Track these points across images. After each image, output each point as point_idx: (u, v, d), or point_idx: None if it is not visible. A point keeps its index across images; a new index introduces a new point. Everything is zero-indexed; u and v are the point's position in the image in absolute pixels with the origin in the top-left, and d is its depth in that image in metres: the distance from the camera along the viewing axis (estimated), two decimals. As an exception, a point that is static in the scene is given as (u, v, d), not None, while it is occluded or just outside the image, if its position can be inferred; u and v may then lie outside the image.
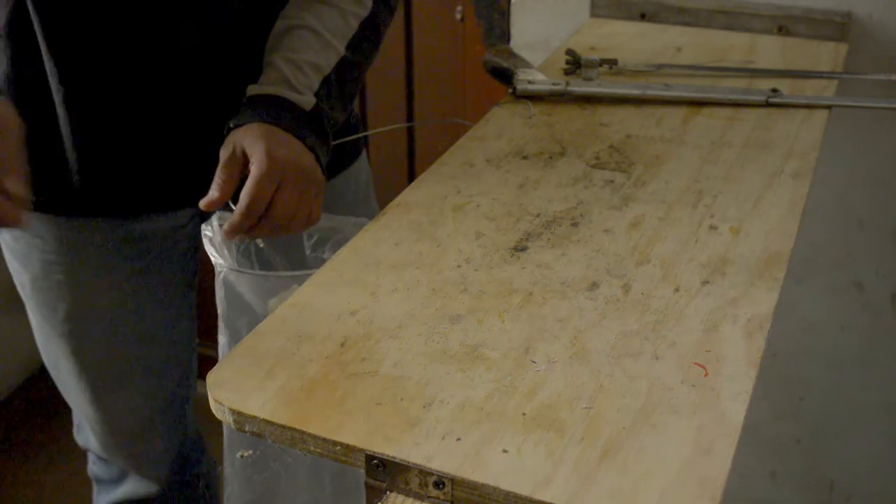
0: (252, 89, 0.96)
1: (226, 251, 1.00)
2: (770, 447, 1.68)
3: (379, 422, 0.65)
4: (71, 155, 1.01)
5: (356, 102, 1.15)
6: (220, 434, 1.12)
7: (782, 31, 1.38)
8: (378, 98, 1.88)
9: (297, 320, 0.76)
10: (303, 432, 0.65)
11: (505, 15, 1.58)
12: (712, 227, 0.88)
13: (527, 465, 0.61)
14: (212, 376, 0.70)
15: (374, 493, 0.64)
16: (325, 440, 0.64)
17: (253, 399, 0.67)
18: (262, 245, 1.05)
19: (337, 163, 1.12)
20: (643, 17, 1.45)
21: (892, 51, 1.36)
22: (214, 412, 0.69)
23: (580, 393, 0.67)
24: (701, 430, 0.64)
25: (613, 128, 1.09)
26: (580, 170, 0.99)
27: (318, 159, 0.94)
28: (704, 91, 1.16)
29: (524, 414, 0.65)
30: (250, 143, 0.91)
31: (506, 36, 1.58)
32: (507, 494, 0.59)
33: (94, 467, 1.34)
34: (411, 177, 1.90)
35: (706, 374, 0.69)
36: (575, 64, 1.22)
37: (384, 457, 0.62)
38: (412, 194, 0.95)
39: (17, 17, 0.96)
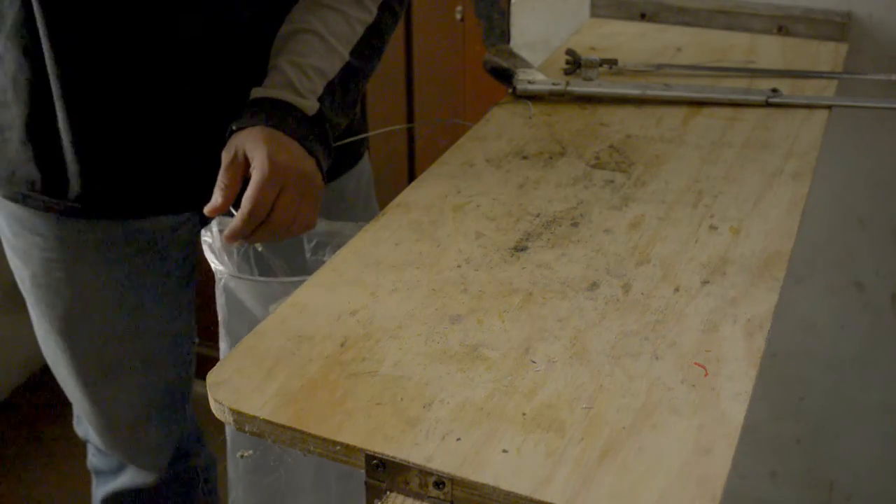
0: (256, 92, 0.96)
1: (226, 257, 1.00)
2: (770, 447, 1.68)
3: (379, 422, 0.65)
4: (70, 157, 1.01)
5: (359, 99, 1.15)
6: (220, 433, 1.12)
7: (782, 31, 1.38)
8: (378, 98, 1.88)
9: (297, 320, 0.76)
10: (303, 432, 0.65)
11: (505, 15, 1.58)
12: (712, 227, 0.88)
13: (527, 465, 0.61)
14: (212, 376, 0.70)
15: (374, 492, 0.64)
16: (325, 440, 0.64)
17: (253, 399, 0.67)
18: (260, 249, 1.05)
19: (339, 164, 1.12)
20: (643, 17, 1.45)
21: (892, 51, 1.36)
22: (214, 412, 0.69)
23: (580, 393, 0.67)
24: (701, 430, 0.64)
25: (613, 128, 1.09)
26: (580, 170, 0.99)
27: (318, 164, 0.95)
28: (704, 91, 1.16)
29: (524, 414, 0.65)
30: (252, 147, 0.91)
31: (506, 36, 1.58)
32: (507, 494, 0.59)
33: (93, 459, 1.35)
34: (411, 177, 1.90)
35: (706, 374, 0.69)
36: (575, 64, 1.22)
37: (384, 457, 0.62)
38: (412, 194, 0.95)
39: (23, 18, 0.96)
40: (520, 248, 0.85)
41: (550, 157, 1.02)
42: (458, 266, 0.83)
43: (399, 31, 1.78)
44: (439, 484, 0.61)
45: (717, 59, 1.28)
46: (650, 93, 1.15)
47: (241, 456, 1.03)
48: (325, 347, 0.72)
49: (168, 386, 1.23)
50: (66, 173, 1.02)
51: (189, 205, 1.07)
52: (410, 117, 1.90)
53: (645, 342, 0.73)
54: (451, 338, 0.73)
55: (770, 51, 1.33)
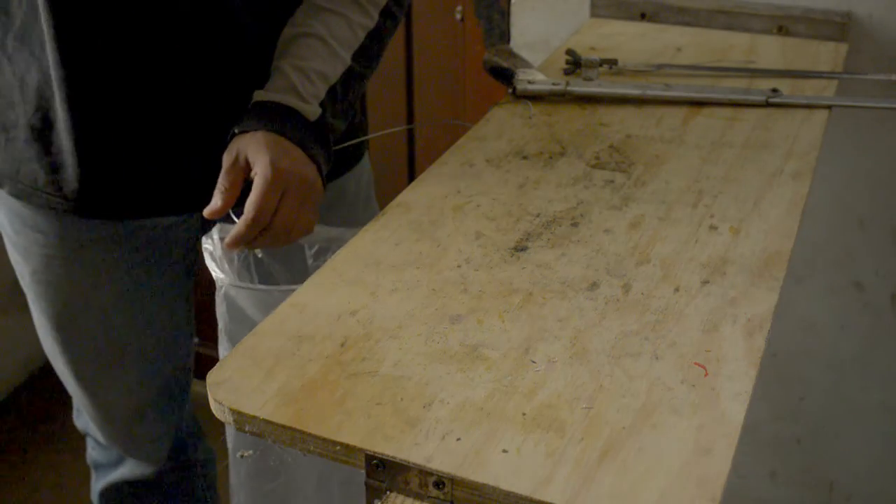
0: (259, 95, 0.96)
1: (226, 265, 1.00)
2: (770, 447, 1.68)
3: (379, 422, 0.65)
4: (72, 158, 1.01)
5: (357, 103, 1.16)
6: (221, 433, 1.12)
7: (782, 31, 1.38)
8: (378, 98, 1.88)
9: (297, 320, 0.76)
10: (303, 432, 0.65)
11: (505, 15, 1.58)
12: (712, 227, 0.88)
13: (527, 465, 0.61)
14: (212, 376, 0.70)
15: (374, 493, 0.64)
16: (325, 440, 0.64)
17: (253, 399, 0.67)
18: (260, 256, 1.05)
19: (340, 164, 1.12)
20: (643, 17, 1.45)
21: (892, 51, 1.36)
22: (214, 412, 0.69)
23: (580, 393, 0.67)
24: (701, 430, 0.64)
25: (613, 128, 1.09)
26: (580, 170, 0.99)
27: (319, 169, 0.95)
28: (704, 91, 1.16)
29: (524, 414, 0.65)
30: (254, 151, 0.91)
31: (506, 36, 1.58)
32: (507, 494, 0.59)
33: (92, 453, 1.36)
34: (411, 177, 1.90)
35: (706, 374, 0.69)
36: (575, 64, 1.22)
37: (384, 457, 0.62)
38: (412, 194, 0.95)
39: (31, 18, 0.96)
40: (520, 248, 0.85)
41: (550, 157, 1.02)
42: (458, 266, 0.83)
43: (399, 31, 1.78)
44: (439, 484, 0.61)
45: (717, 59, 1.28)
46: (650, 93, 1.15)
47: (241, 456, 1.03)
48: (325, 347, 0.72)
49: (167, 380, 1.24)
50: (67, 173, 1.02)
51: (189, 206, 1.07)
52: (410, 117, 1.90)
53: (645, 342, 0.73)
54: (451, 338, 0.73)
55: (770, 51, 1.33)
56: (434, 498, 0.62)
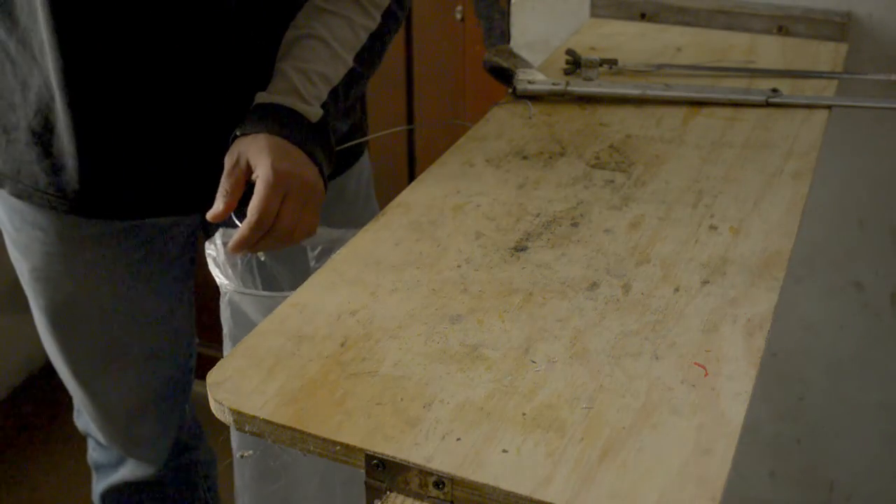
0: (261, 97, 0.97)
1: (230, 271, 0.99)
2: (770, 447, 1.68)
3: (379, 422, 0.65)
4: (72, 160, 1.01)
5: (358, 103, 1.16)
6: (221, 434, 1.12)
7: (782, 31, 1.38)
8: (378, 98, 1.88)
9: (297, 320, 0.76)
10: (303, 432, 0.65)
11: (505, 15, 1.58)
12: (712, 227, 0.88)
13: (527, 465, 0.61)
14: (212, 376, 0.70)
15: (374, 492, 0.64)
16: (325, 440, 0.64)
17: (253, 399, 0.67)
18: (263, 258, 1.05)
19: (340, 163, 1.12)
20: (643, 17, 1.45)
21: (892, 51, 1.36)
22: (214, 412, 0.69)
23: (580, 393, 0.67)
24: (701, 430, 0.64)
25: (613, 128, 1.09)
26: (580, 170, 0.99)
27: (321, 171, 0.95)
28: (704, 91, 1.16)
29: (524, 414, 0.65)
30: (256, 154, 0.91)
31: (506, 36, 1.58)
32: (507, 494, 0.59)
33: (93, 454, 1.36)
34: (411, 177, 1.90)
35: (706, 374, 0.69)
36: (575, 64, 1.22)
37: (384, 457, 0.62)
38: (412, 194, 0.95)
39: (33, 23, 0.96)
40: (520, 248, 0.85)
41: (550, 157, 1.02)
42: (458, 266, 0.83)
43: (399, 31, 1.78)
44: (439, 484, 0.61)
45: (717, 59, 1.28)
46: (650, 93, 1.15)
47: (242, 456, 1.03)
48: (325, 347, 0.72)
49: (167, 379, 1.24)
50: (68, 175, 1.03)
51: (191, 207, 1.07)
52: (410, 117, 1.90)
53: (645, 342, 0.73)
54: (451, 338, 0.73)
55: (770, 51, 1.33)
56: (434, 498, 0.62)
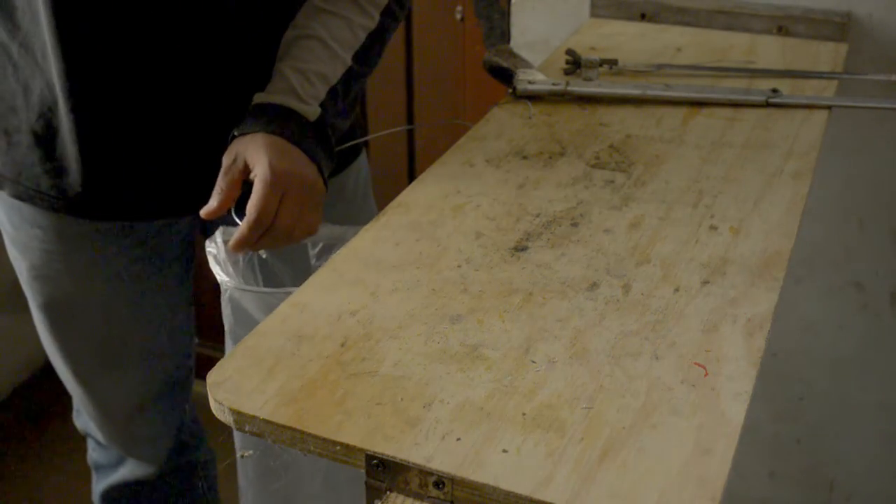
0: (259, 97, 0.97)
1: (231, 268, 1.00)
2: (770, 447, 1.68)
3: (379, 422, 0.65)
4: (74, 163, 1.02)
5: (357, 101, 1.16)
6: (221, 433, 1.12)
7: (782, 31, 1.38)
8: (378, 98, 1.88)
9: (297, 320, 0.76)
10: (303, 432, 0.65)
11: (505, 15, 1.58)
12: (712, 227, 0.88)
13: (527, 465, 0.61)
14: (212, 376, 0.70)
15: (374, 492, 0.64)
16: (325, 440, 0.64)
17: (253, 399, 0.67)
18: (265, 256, 1.05)
19: (340, 160, 1.12)
20: (643, 17, 1.45)
21: (892, 51, 1.36)
22: (214, 412, 0.69)
23: (580, 393, 0.67)
24: (701, 430, 0.64)
25: (613, 128, 1.09)
26: (580, 170, 0.99)
27: (320, 170, 0.95)
28: (704, 91, 1.16)
29: (524, 414, 0.65)
30: (253, 153, 0.91)
31: (506, 36, 1.58)
32: (507, 494, 0.59)
33: (93, 454, 1.36)
34: (411, 177, 1.90)
35: (706, 374, 0.69)
36: (575, 64, 1.22)
37: (384, 457, 0.62)
38: (412, 194, 0.95)
39: (35, 27, 0.96)
40: (520, 248, 0.85)
41: (550, 157, 1.02)
42: (458, 266, 0.83)
43: (399, 31, 1.78)
44: (439, 484, 0.61)
45: (717, 60, 1.28)
46: (650, 93, 1.15)
47: (242, 456, 1.03)
48: (325, 347, 0.72)
49: (167, 378, 1.24)
50: (70, 178, 1.03)
51: (192, 207, 1.07)
52: (410, 117, 1.90)
53: (645, 342, 0.73)
54: (451, 338, 0.73)
55: (770, 51, 1.33)
56: (434, 498, 0.62)
